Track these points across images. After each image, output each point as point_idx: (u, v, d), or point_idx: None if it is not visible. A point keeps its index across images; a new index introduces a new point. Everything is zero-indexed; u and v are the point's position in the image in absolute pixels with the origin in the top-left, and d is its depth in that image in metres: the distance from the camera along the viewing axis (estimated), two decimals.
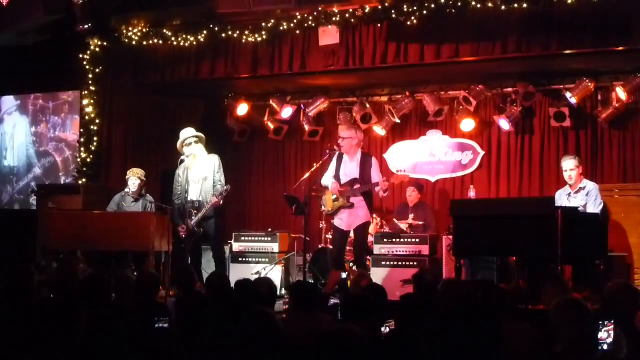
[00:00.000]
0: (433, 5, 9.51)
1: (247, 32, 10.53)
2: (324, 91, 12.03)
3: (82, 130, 11.68)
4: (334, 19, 10.07)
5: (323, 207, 9.66)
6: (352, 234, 9.38)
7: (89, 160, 11.44)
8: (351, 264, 9.61)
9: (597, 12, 8.87)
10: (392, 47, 9.87)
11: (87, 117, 11.53)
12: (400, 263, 10.05)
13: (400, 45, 9.83)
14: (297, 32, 10.33)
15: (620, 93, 10.23)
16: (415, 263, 9.87)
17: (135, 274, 8.40)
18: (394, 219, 10.73)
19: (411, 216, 10.55)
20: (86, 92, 11.57)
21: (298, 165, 12.43)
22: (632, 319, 5.18)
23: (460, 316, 4.36)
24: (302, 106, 12.20)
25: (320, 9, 10.10)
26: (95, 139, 11.45)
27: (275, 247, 10.83)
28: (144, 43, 11.18)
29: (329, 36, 10.11)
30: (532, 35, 9.26)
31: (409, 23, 9.67)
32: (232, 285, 6.48)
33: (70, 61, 11.61)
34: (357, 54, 10.06)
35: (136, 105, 11.77)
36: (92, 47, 11.47)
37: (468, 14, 9.40)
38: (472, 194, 10.50)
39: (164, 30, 11.05)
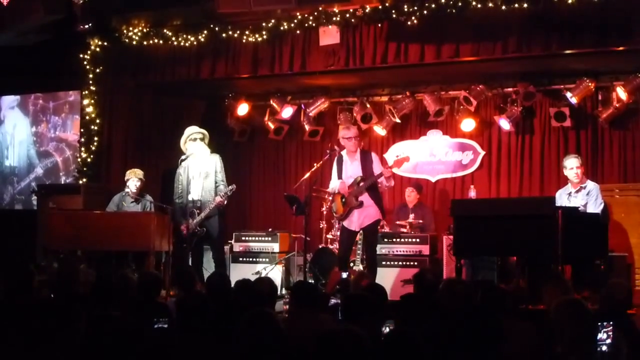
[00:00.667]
0: (433, 5, 9.51)
1: (247, 32, 10.53)
2: (324, 91, 12.02)
3: (82, 130, 11.68)
4: (334, 18, 10.07)
5: (334, 213, 9.59)
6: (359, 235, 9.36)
7: (89, 160, 11.44)
8: (351, 264, 9.61)
9: (597, 12, 8.86)
10: (393, 47, 9.87)
11: (87, 117, 11.53)
12: (400, 263, 10.06)
13: (400, 45, 9.84)
14: (298, 32, 10.33)
15: (621, 93, 10.22)
16: (416, 263, 9.88)
17: (136, 274, 8.39)
18: (395, 221, 10.73)
19: (411, 216, 10.55)
20: (86, 92, 11.57)
21: (298, 165, 12.43)
22: (632, 320, 5.19)
23: (460, 316, 4.35)
24: (303, 106, 12.20)
25: (320, 8, 10.10)
26: (96, 138, 11.45)
27: (275, 247, 10.84)
28: (144, 43, 11.19)
29: (329, 36, 10.12)
30: (533, 35, 9.27)
31: (409, 23, 9.67)
32: (233, 285, 6.48)
33: (70, 61, 11.61)
34: (357, 54, 10.06)
35: (136, 105, 11.77)
36: (93, 47, 11.47)
37: (468, 13, 9.40)
38: (472, 193, 10.49)
39: (165, 30, 11.05)
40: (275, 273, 10.43)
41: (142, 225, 9.61)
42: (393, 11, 9.75)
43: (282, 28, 10.36)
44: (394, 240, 10.20)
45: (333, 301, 9.23)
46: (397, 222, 10.60)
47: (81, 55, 11.50)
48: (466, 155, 11.50)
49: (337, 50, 10.16)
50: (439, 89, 11.47)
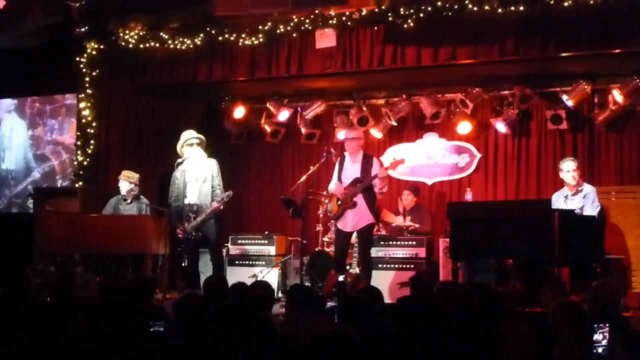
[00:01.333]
0: (430, 8, 9.51)
1: (244, 35, 10.53)
2: (320, 94, 12.03)
3: (79, 133, 11.66)
4: (330, 21, 10.07)
5: (329, 213, 9.63)
6: (354, 237, 9.36)
7: (86, 163, 11.42)
8: (348, 267, 9.62)
9: (594, 15, 8.87)
10: (389, 50, 9.87)
11: (84, 120, 11.51)
12: (397, 265, 10.06)
13: (397, 48, 9.84)
14: (294, 34, 10.33)
15: (617, 95, 10.23)
16: (412, 265, 9.88)
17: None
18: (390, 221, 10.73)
19: (408, 219, 10.55)
20: (83, 95, 11.55)
21: (295, 167, 12.42)
22: (627, 321, 5.20)
23: (456, 319, 4.37)
24: (299, 109, 12.19)
25: (317, 11, 10.10)
26: (93, 141, 11.43)
27: (272, 249, 10.84)
28: (142, 46, 11.18)
29: (326, 39, 10.12)
30: (529, 38, 9.27)
31: (405, 26, 9.67)
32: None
33: (67, 64, 11.60)
34: (354, 57, 10.06)
35: (133, 108, 11.75)
36: (90, 50, 11.46)
37: (465, 16, 9.40)
38: (469, 196, 10.49)
39: (161, 33, 11.04)
40: (272, 276, 10.41)
41: (139, 228, 9.61)
42: (390, 14, 9.75)
43: (278, 31, 10.36)
44: (391, 242, 10.21)
45: (330, 304, 9.26)
46: (393, 225, 10.60)
47: (78, 58, 11.49)
48: (463, 158, 11.49)
49: (334, 53, 10.16)
50: (436, 92, 11.47)
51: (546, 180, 10.85)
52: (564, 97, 10.51)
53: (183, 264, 9.66)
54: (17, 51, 12.17)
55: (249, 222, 12.57)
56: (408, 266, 9.90)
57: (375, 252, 9.86)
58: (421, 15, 9.58)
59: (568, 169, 8.98)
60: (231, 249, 11.00)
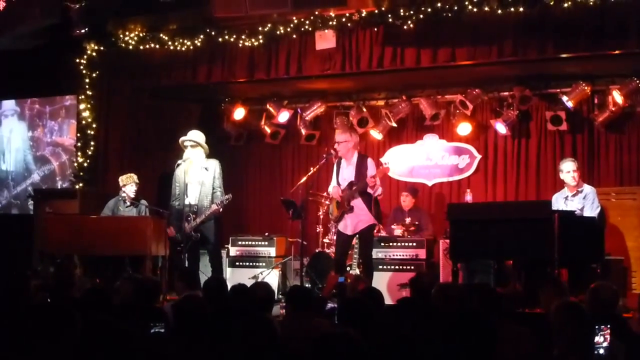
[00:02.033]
0: (429, 10, 9.51)
1: (243, 36, 10.53)
2: (320, 95, 12.03)
3: (78, 135, 11.67)
4: (330, 23, 10.07)
5: (330, 215, 9.64)
6: (355, 239, 9.36)
7: (85, 164, 11.43)
8: (348, 268, 9.61)
9: (593, 16, 8.87)
10: (389, 51, 9.87)
11: (83, 122, 11.52)
12: (397, 267, 10.06)
13: (396, 49, 9.84)
14: (294, 36, 10.33)
15: (617, 96, 10.24)
16: (413, 267, 9.87)
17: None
18: (391, 225, 10.73)
19: (407, 220, 10.55)
20: (83, 97, 11.56)
21: (295, 169, 12.42)
22: (626, 322, 5.19)
23: (454, 320, 4.35)
24: (299, 110, 12.20)
25: (316, 13, 10.10)
26: (92, 143, 11.44)
27: (272, 251, 10.84)
28: (141, 47, 11.18)
29: (325, 40, 10.12)
30: (529, 39, 9.27)
31: (405, 27, 9.67)
32: (229, 289, 6.47)
33: (66, 66, 11.60)
34: (353, 58, 10.06)
35: (133, 110, 11.75)
36: (89, 52, 11.47)
37: (464, 18, 9.41)
38: (468, 197, 10.49)
39: (161, 35, 11.04)
40: (272, 277, 10.42)
41: (138, 229, 9.59)
42: (389, 15, 9.75)
43: (278, 32, 10.36)
44: (391, 244, 10.21)
45: (330, 305, 9.26)
46: (393, 226, 10.61)
47: (77, 60, 11.50)
48: (462, 159, 11.50)
49: (333, 55, 10.16)
50: (435, 93, 11.48)
51: (546, 181, 10.85)
52: (564, 98, 10.51)
53: (182, 265, 9.65)
54: (16, 53, 12.15)
55: (249, 224, 12.57)
56: (408, 267, 9.90)
57: (375, 253, 9.84)
58: (420, 16, 9.58)
59: (568, 169, 8.98)
60: (231, 250, 11.00)
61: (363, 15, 9.92)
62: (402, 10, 9.66)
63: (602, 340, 4.25)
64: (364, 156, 9.47)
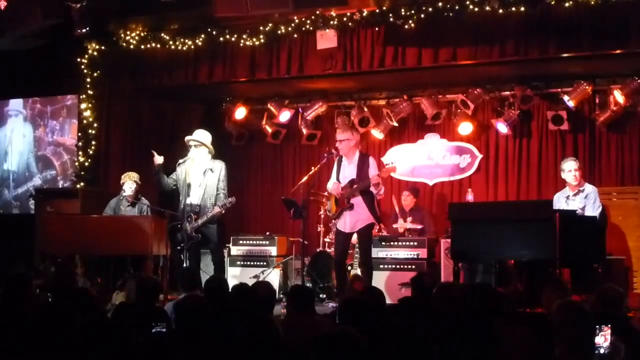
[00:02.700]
0: (431, 9, 9.52)
1: (244, 36, 10.53)
2: (321, 95, 12.04)
3: (80, 135, 11.67)
4: (331, 22, 10.07)
5: (328, 212, 9.65)
6: (354, 237, 9.35)
7: (87, 164, 11.43)
8: (349, 267, 9.60)
9: (594, 16, 8.87)
10: (390, 51, 9.87)
11: (85, 121, 11.52)
12: (398, 266, 10.05)
13: (397, 49, 9.84)
14: (295, 35, 10.33)
15: (618, 96, 10.23)
16: (414, 266, 9.87)
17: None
18: (392, 225, 10.73)
19: (409, 219, 10.55)
20: (84, 96, 11.56)
21: (296, 168, 12.43)
22: (629, 322, 5.19)
23: (455, 319, 4.36)
24: (300, 110, 12.21)
25: (317, 12, 10.09)
26: (93, 143, 11.44)
27: (273, 250, 10.83)
28: (142, 47, 11.19)
29: (326, 40, 10.12)
30: (530, 39, 9.28)
31: (406, 27, 9.68)
32: (230, 289, 6.47)
33: (68, 65, 11.61)
34: (354, 58, 10.06)
35: (134, 109, 11.76)
36: (90, 51, 11.47)
37: (466, 17, 9.41)
38: (470, 197, 10.49)
39: (162, 35, 11.05)
40: (273, 277, 10.42)
41: (139, 229, 9.57)
42: (390, 15, 9.76)
43: (279, 32, 10.36)
44: (392, 243, 10.21)
45: (331, 305, 9.27)
46: (394, 226, 10.61)
47: (79, 60, 11.50)
48: (464, 158, 11.50)
49: (335, 54, 10.16)
50: (437, 93, 11.47)
51: (547, 181, 10.85)
52: (565, 98, 10.51)
53: (183, 265, 9.64)
54: (17, 52, 12.16)
55: (250, 223, 12.58)
56: (409, 267, 9.89)
57: (376, 252, 9.84)
58: (422, 16, 9.59)
59: (569, 168, 8.98)
60: (232, 249, 10.99)
61: (364, 14, 9.92)
62: (403, 10, 9.66)
63: (602, 340, 4.25)
64: (366, 155, 9.46)
